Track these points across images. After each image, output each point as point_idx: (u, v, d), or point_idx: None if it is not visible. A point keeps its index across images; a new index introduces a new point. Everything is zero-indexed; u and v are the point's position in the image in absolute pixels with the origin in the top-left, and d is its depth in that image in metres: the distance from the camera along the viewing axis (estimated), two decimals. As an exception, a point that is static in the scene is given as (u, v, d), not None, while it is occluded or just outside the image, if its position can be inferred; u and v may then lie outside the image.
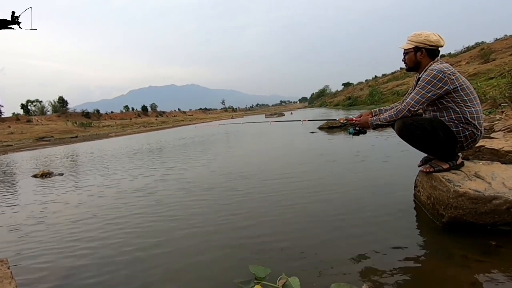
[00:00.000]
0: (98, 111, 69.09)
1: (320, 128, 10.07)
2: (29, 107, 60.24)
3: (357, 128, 2.33)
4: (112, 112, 75.16)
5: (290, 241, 1.98)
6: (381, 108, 2.38)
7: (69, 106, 64.47)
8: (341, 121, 2.79)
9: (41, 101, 62.09)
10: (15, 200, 4.24)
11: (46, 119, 54.88)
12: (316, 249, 1.84)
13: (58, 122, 51.47)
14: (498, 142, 2.76)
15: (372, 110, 2.39)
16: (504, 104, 6.20)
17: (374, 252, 1.72)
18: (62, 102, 63.03)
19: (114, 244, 2.26)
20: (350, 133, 2.37)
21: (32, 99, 63.09)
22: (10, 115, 54.06)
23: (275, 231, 2.18)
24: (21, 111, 58.32)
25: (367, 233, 1.97)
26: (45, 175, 6.15)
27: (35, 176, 6.23)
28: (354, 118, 2.37)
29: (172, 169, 5.35)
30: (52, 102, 63.37)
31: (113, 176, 5.34)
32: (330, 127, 9.78)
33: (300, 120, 3.22)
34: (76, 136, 33.00)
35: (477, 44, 46.21)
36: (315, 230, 2.10)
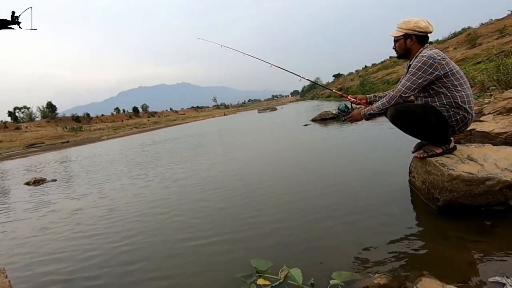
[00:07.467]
0: (88, 114, 68.11)
1: (314, 120, 10.13)
2: (16, 114, 58.89)
3: (346, 108, 2.37)
4: (102, 115, 74.12)
5: (289, 234, 1.98)
6: (376, 94, 2.38)
7: (58, 111, 63.34)
8: (338, 93, 2.82)
9: (29, 108, 60.86)
10: (9, 209, 4.16)
11: (35, 125, 53.79)
12: (315, 239, 1.85)
13: (47, 128, 50.54)
14: (488, 124, 2.81)
15: (367, 96, 2.40)
16: (492, 87, 6.29)
17: (373, 239, 1.74)
18: (50, 107, 61.77)
19: (112, 247, 2.24)
20: (339, 109, 2.41)
21: (19, 105, 61.72)
22: (-2, 123, 52.80)
23: (273, 225, 2.18)
24: (8, 119, 57.04)
25: (364, 221, 1.99)
26: (38, 182, 6.06)
27: (27, 183, 6.12)
28: (349, 96, 2.39)
29: (167, 169, 5.32)
30: (41, 107, 62.19)
31: (109, 179, 5.28)
32: (323, 119, 9.86)
33: (299, 76, 3.07)
34: (67, 141, 32.49)
35: (464, 30, 46.72)
36: (313, 222, 2.11)
